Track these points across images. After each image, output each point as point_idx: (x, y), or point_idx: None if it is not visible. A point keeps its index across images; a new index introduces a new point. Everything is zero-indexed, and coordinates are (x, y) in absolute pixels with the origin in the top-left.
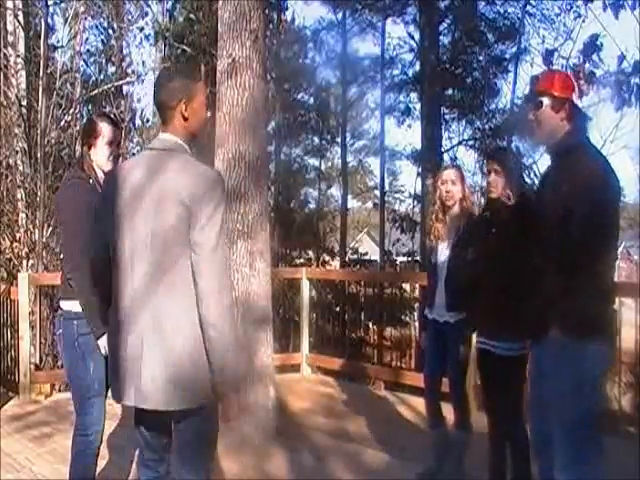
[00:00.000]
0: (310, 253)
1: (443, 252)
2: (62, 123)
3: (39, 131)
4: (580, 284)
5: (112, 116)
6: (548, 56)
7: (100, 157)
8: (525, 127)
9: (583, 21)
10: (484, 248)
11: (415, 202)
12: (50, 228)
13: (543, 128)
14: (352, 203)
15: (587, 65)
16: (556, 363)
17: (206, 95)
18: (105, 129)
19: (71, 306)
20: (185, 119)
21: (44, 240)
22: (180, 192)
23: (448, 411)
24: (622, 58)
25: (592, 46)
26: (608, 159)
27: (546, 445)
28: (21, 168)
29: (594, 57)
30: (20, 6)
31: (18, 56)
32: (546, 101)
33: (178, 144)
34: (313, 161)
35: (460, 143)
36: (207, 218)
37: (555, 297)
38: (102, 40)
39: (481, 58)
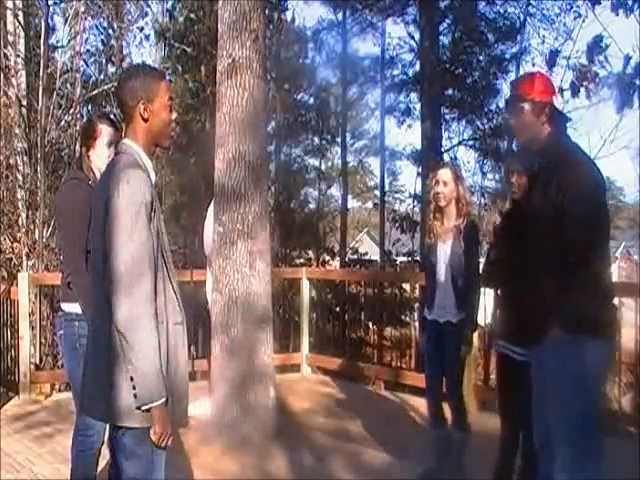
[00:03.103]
0: (310, 253)
1: (443, 251)
2: (62, 123)
3: (39, 131)
4: (579, 283)
5: (112, 117)
6: (552, 57)
7: (99, 158)
8: (507, 130)
9: (583, 21)
10: (511, 250)
11: (415, 202)
12: (50, 228)
13: (524, 133)
14: (352, 203)
15: (588, 65)
16: (557, 362)
17: (170, 96)
18: (104, 130)
19: (72, 308)
20: (145, 120)
21: (44, 240)
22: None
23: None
24: (628, 59)
25: (596, 47)
26: (590, 157)
27: (547, 445)
28: (21, 168)
29: (597, 58)
30: (20, 6)
31: (18, 56)
32: (527, 107)
33: (129, 147)
34: (313, 161)
35: (460, 143)
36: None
37: (555, 297)
38: (102, 40)
39: (481, 58)
